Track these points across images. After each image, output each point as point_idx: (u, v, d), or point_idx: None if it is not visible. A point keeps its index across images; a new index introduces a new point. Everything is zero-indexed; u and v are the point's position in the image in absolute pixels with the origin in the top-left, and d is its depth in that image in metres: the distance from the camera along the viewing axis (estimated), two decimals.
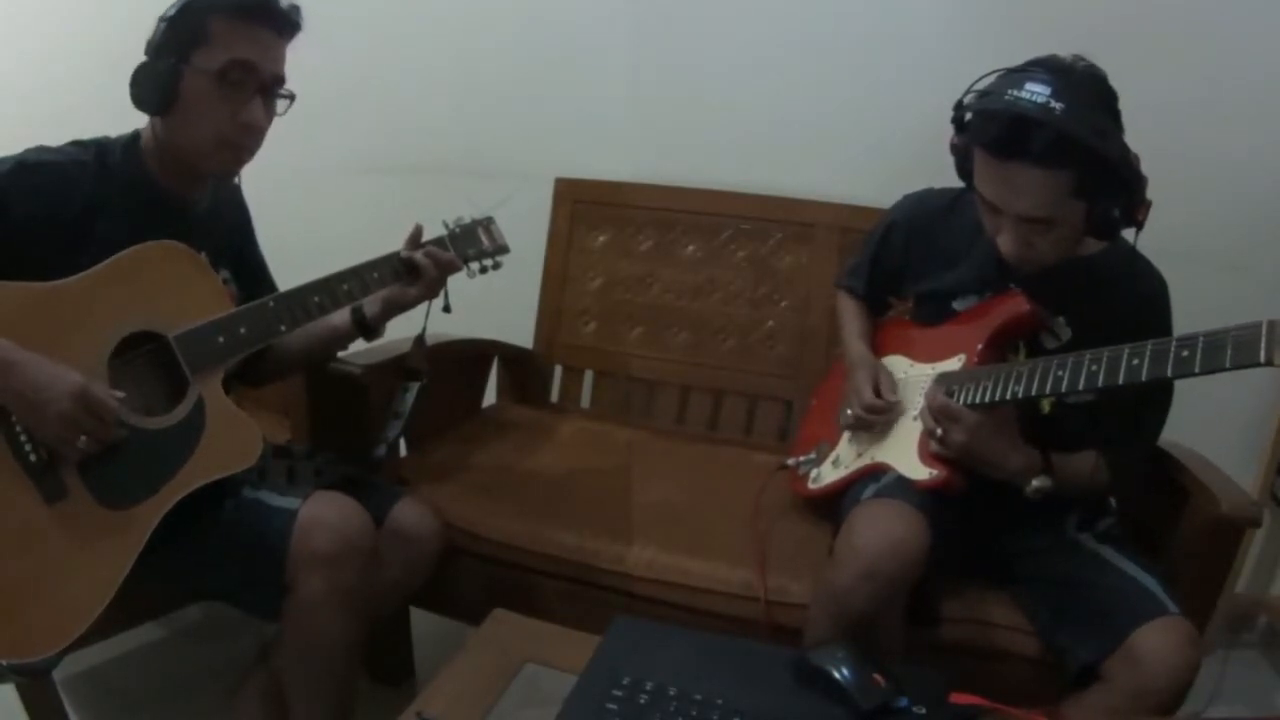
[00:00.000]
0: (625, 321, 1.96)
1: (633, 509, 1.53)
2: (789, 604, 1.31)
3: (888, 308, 1.58)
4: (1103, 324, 1.24)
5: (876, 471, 1.35)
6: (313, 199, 2.20)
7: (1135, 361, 1.04)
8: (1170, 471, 1.35)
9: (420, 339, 1.43)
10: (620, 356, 1.96)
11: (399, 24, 2.12)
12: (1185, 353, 0.99)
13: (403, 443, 1.53)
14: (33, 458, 1.04)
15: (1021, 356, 1.32)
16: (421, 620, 1.66)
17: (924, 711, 0.95)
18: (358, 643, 1.24)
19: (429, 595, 1.48)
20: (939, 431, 1.24)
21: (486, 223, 1.43)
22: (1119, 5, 1.68)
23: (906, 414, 1.37)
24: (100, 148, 1.18)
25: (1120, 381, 1.05)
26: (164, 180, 1.21)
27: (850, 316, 1.58)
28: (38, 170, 1.12)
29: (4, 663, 1.09)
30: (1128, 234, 1.18)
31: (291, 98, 1.21)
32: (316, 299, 1.23)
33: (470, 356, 1.90)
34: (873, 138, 1.88)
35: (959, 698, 0.97)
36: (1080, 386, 1.09)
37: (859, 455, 1.41)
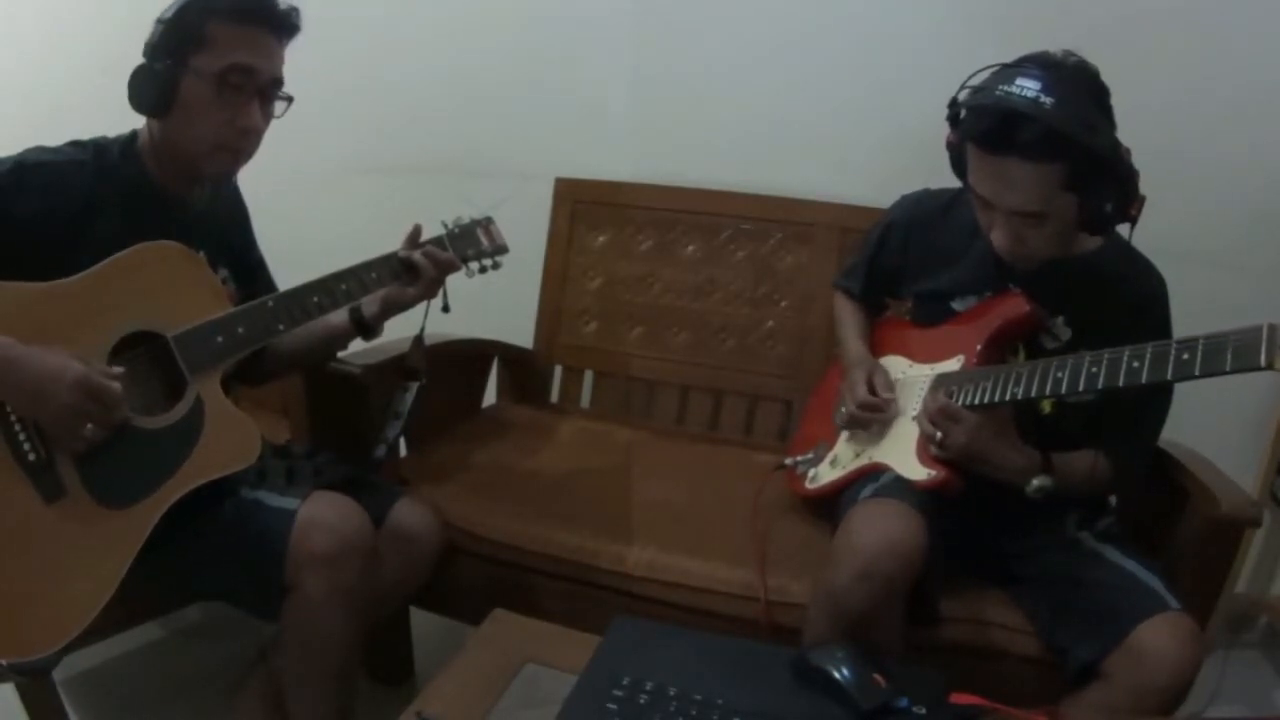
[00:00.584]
0: (625, 321, 1.96)
1: (633, 509, 1.53)
2: (789, 604, 1.31)
3: (885, 308, 1.58)
4: (1102, 323, 1.24)
5: (875, 471, 1.35)
6: (313, 199, 2.20)
7: (1135, 364, 1.04)
8: (1170, 471, 1.35)
9: (419, 339, 1.43)
10: (620, 356, 1.96)
11: (399, 24, 2.12)
12: (1185, 355, 0.99)
13: (403, 443, 1.53)
14: (31, 456, 1.04)
15: (1021, 357, 1.32)
16: (421, 620, 1.66)
17: (924, 711, 0.95)
18: (358, 643, 1.24)
19: (429, 595, 1.48)
20: (939, 435, 1.24)
21: (485, 223, 1.43)
22: (1118, 5, 1.68)
23: (905, 414, 1.37)
24: (98, 148, 1.18)
25: (1120, 384, 1.05)
26: (162, 180, 1.21)
27: (848, 316, 1.58)
28: (37, 170, 1.12)
29: (4, 662, 1.09)
30: (1124, 230, 1.18)
31: (289, 100, 1.21)
32: (315, 299, 1.23)
33: (470, 356, 1.90)
34: (873, 138, 1.88)
35: (959, 698, 0.97)
36: (1080, 388, 1.09)
37: (857, 455, 1.41)
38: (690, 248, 1.93)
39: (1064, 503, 1.31)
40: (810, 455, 1.52)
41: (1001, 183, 1.15)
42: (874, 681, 0.97)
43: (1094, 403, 1.25)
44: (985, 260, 1.32)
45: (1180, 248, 1.40)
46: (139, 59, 1.14)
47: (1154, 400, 1.29)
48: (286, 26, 1.18)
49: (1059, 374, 1.12)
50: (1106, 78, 1.14)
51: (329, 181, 2.21)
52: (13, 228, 1.08)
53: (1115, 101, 1.14)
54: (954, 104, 1.20)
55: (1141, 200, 1.13)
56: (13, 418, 1.03)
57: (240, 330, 1.17)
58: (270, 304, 1.20)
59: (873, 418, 1.38)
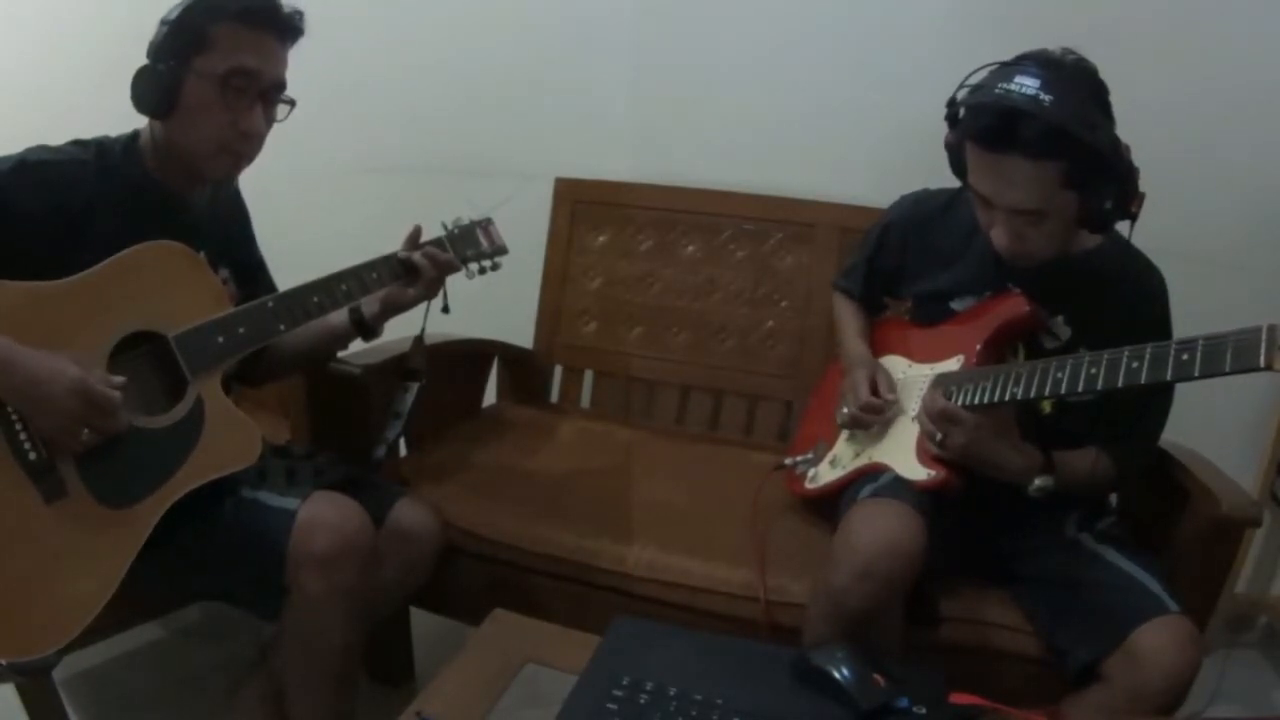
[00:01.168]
0: (625, 321, 1.96)
1: (633, 509, 1.53)
2: (789, 604, 1.31)
3: (884, 308, 1.58)
4: (1102, 322, 1.24)
5: (874, 471, 1.35)
6: (312, 199, 2.20)
7: (1134, 364, 1.04)
8: (1170, 471, 1.34)
9: (420, 339, 1.43)
10: (620, 356, 1.96)
11: (399, 24, 2.12)
12: (1185, 356, 0.99)
13: (403, 443, 1.53)
14: (32, 456, 1.04)
15: (1020, 357, 1.32)
16: (421, 620, 1.66)
17: (924, 711, 0.95)
18: (357, 643, 1.24)
19: (429, 595, 1.48)
20: (939, 436, 1.24)
21: (485, 224, 1.43)
22: (1118, 5, 1.68)
23: (905, 414, 1.37)
24: (100, 147, 1.18)
25: (1119, 384, 1.05)
26: (163, 180, 1.21)
27: (847, 316, 1.58)
28: (39, 169, 1.12)
29: (4, 662, 1.09)
30: (1123, 228, 1.18)
31: (292, 104, 1.21)
32: (315, 299, 1.23)
33: (470, 356, 1.90)
34: (873, 138, 1.88)
35: (959, 698, 0.97)
36: (1079, 389, 1.09)
37: (857, 455, 1.41)
38: (690, 248, 1.93)
39: (1064, 503, 1.31)
40: (810, 455, 1.52)
41: (1001, 181, 1.15)
42: (874, 681, 0.97)
43: (1095, 402, 1.24)
44: (985, 260, 1.32)
45: (1180, 248, 1.40)
46: (140, 59, 1.14)
47: (1155, 399, 1.29)
48: (290, 30, 1.18)
49: (1058, 374, 1.12)
50: (1106, 77, 1.14)
51: (329, 181, 2.21)
52: (14, 226, 1.08)
53: (1116, 101, 1.14)
54: (952, 103, 1.20)
55: (1141, 197, 1.13)
56: (13, 417, 1.03)
57: (241, 330, 1.17)
58: (270, 304, 1.20)
59: (875, 419, 1.38)
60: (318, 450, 1.43)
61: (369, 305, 1.33)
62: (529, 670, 1.04)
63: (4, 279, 1.05)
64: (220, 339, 1.16)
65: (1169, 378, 1.00)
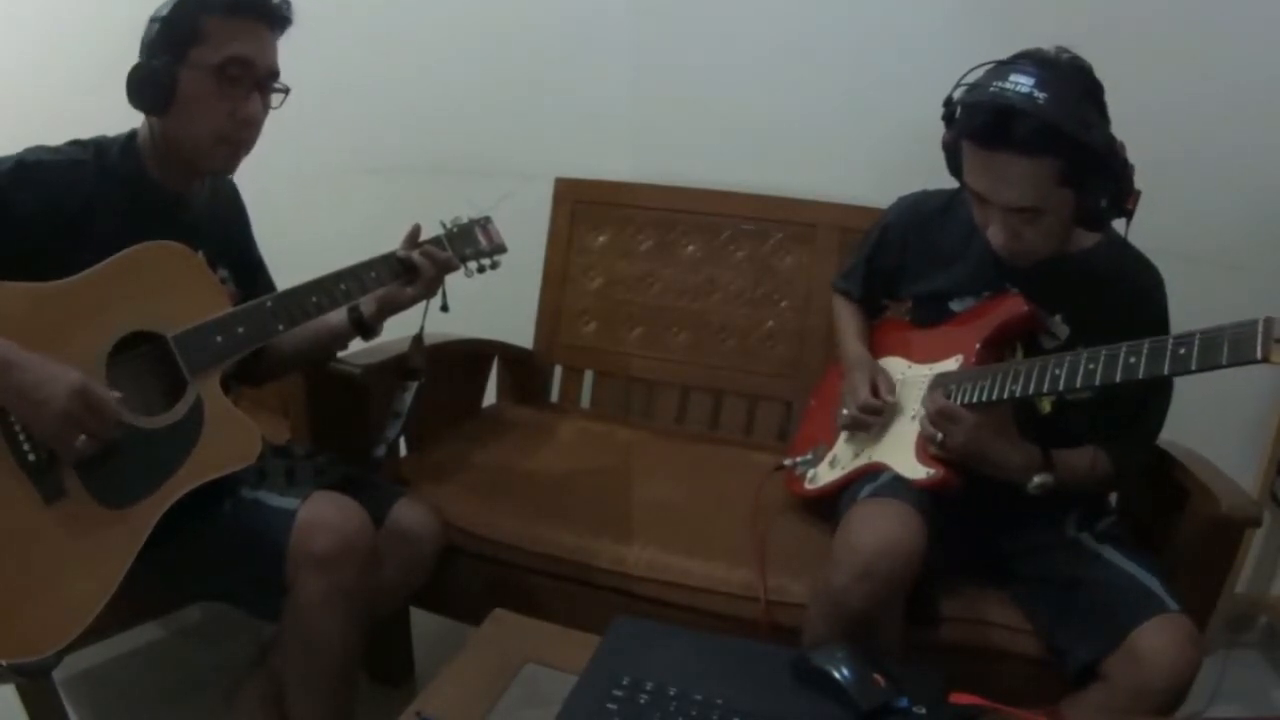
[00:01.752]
0: (625, 321, 1.96)
1: (633, 509, 1.53)
2: (789, 604, 1.31)
3: (883, 309, 1.58)
4: (1100, 319, 1.25)
5: (874, 471, 1.35)
6: (312, 199, 2.20)
7: (1132, 359, 1.04)
8: (1170, 471, 1.34)
9: (419, 339, 1.43)
10: (620, 356, 1.96)
11: (398, 24, 2.12)
12: (1182, 350, 0.99)
13: (403, 443, 1.53)
14: (31, 457, 1.04)
15: (1019, 357, 1.32)
16: (421, 620, 1.66)
17: (924, 711, 0.95)
18: (357, 642, 1.24)
19: (429, 595, 1.48)
20: (939, 436, 1.23)
21: (484, 222, 1.43)
22: (1118, 5, 1.68)
23: (904, 414, 1.37)
24: (98, 147, 1.18)
25: (1118, 379, 1.05)
26: (161, 179, 1.21)
27: (847, 317, 1.58)
28: (37, 169, 1.12)
29: (4, 663, 1.09)
30: (1119, 226, 1.18)
31: (286, 91, 1.21)
32: (314, 299, 1.23)
33: (470, 356, 1.90)
34: (873, 138, 1.88)
35: (959, 698, 0.97)
36: (1078, 385, 1.10)
37: (856, 455, 1.41)
38: (690, 248, 1.93)
39: (1064, 502, 1.31)
40: (809, 456, 1.52)
41: (997, 178, 1.15)
42: (874, 681, 0.97)
43: (1094, 400, 1.25)
44: (983, 260, 1.32)
45: (1180, 248, 1.40)
46: (138, 58, 1.15)
47: (1154, 397, 1.29)
48: (279, 19, 1.18)
49: (1057, 371, 1.12)
50: (1105, 77, 1.14)
51: (329, 181, 2.21)
52: (13, 227, 1.08)
53: (1114, 102, 1.15)
54: (948, 102, 1.21)
55: (1137, 195, 1.14)
56: (13, 418, 1.03)
57: (240, 330, 1.17)
58: (269, 304, 1.20)
59: (874, 420, 1.38)
60: (318, 450, 1.43)
61: (367, 304, 1.32)
62: (529, 670, 1.03)
63: (3, 279, 1.04)
64: (219, 339, 1.16)
65: (1166, 372, 1.01)
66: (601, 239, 1.98)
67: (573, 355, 2.00)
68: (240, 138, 1.18)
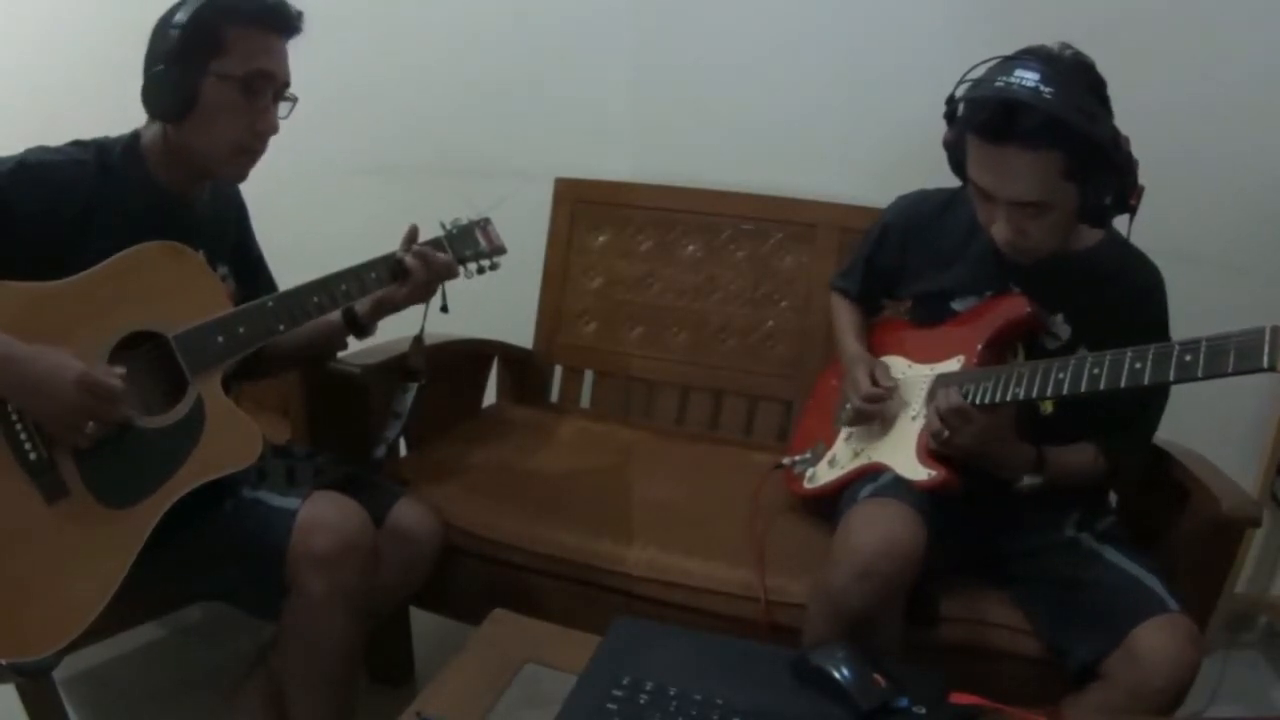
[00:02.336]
0: (625, 321, 1.96)
1: (633, 509, 1.53)
2: (788, 604, 1.31)
3: (881, 309, 1.58)
4: (1101, 319, 1.25)
5: (874, 471, 1.35)
6: (313, 199, 2.20)
7: (1138, 365, 1.04)
8: (1170, 471, 1.35)
9: (419, 339, 1.43)
10: (620, 356, 1.96)
11: (399, 24, 2.12)
12: (1188, 357, 0.99)
13: (403, 443, 1.53)
14: (32, 456, 1.04)
15: (1021, 357, 1.32)
16: (421, 620, 1.66)
17: (924, 711, 0.95)
18: (358, 643, 1.24)
19: (429, 595, 1.48)
20: (945, 434, 1.23)
21: (483, 224, 1.43)
22: (1118, 5, 1.68)
23: (905, 414, 1.37)
24: (100, 148, 1.18)
25: (1122, 385, 1.05)
26: (164, 181, 1.21)
27: (845, 316, 1.58)
28: (39, 170, 1.12)
29: (4, 663, 1.09)
30: (1122, 223, 1.18)
31: (294, 101, 1.21)
32: (315, 299, 1.23)
33: (470, 356, 1.90)
34: (873, 138, 1.88)
35: (959, 698, 0.97)
36: (1082, 389, 1.10)
37: (856, 455, 1.41)
38: (690, 248, 1.93)
39: (1064, 503, 1.32)
40: (808, 455, 1.52)
41: (1003, 173, 1.15)
42: (874, 681, 0.97)
43: (1094, 400, 1.25)
44: (985, 260, 1.32)
45: (1182, 249, 1.40)
46: (139, 60, 1.14)
47: (1153, 396, 1.29)
48: (295, 30, 1.19)
49: (1060, 375, 1.12)
50: (1107, 77, 1.14)
51: (329, 181, 2.21)
52: (14, 227, 1.08)
53: (1115, 102, 1.15)
54: (951, 100, 1.21)
55: (1140, 190, 1.14)
56: (14, 417, 1.03)
57: (241, 330, 1.17)
58: (270, 304, 1.20)
59: (878, 409, 1.37)
60: (318, 450, 1.43)
61: (361, 303, 1.32)
62: (529, 670, 1.04)
63: (4, 279, 1.05)
64: (220, 339, 1.16)
65: (1172, 379, 1.01)
66: (601, 239, 1.98)
67: (573, 355, 2.00)
68: (257, 148, 1.19)
